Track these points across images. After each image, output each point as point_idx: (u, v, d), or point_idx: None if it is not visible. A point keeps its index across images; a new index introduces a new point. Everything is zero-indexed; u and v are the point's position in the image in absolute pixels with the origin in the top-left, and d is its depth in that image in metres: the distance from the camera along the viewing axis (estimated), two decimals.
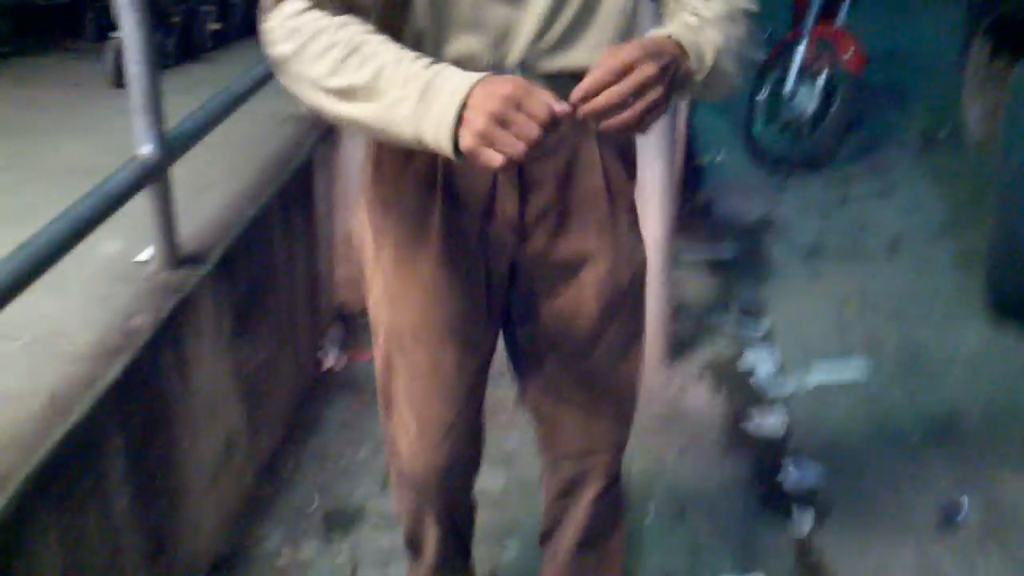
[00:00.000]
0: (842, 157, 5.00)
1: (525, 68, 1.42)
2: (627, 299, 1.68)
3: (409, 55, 1.26)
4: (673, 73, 1.29)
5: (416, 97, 1.22)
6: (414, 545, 2.00)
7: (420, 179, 1.53)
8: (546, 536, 2.03)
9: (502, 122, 1.18)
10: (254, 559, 2.39)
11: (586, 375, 1.72)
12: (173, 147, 2.06)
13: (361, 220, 1.67)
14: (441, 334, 1.63)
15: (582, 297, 1.63)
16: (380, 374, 1.73)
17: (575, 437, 1.79)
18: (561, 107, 1.20)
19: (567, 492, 1.89)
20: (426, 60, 1.25)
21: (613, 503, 1.93)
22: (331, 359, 3.18)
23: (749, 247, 4.13)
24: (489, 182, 1.52)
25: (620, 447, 1.84)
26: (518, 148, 1.18)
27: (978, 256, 3.68)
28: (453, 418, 1.72)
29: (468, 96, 1.20)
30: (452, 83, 1.21)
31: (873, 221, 4.41)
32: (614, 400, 1.77)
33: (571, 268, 1.62)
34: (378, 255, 1.62)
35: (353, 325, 3.35)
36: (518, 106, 1.18)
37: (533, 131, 1.18)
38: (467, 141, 1.19)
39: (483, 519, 2.48)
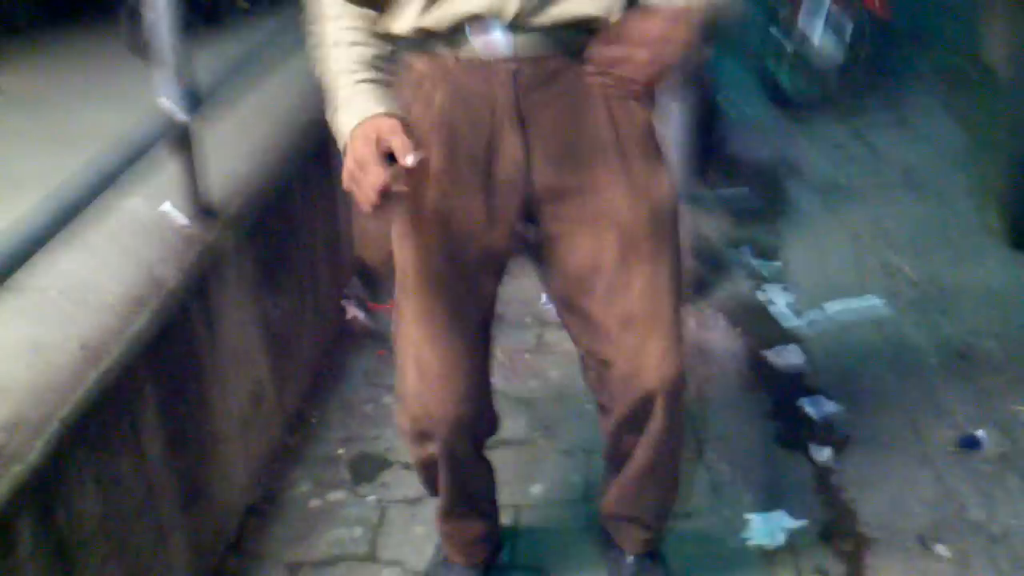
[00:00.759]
0: (856, 92, 4.98)
1: (521, 22, 1.50)
2: (650, 233, 1.68)
3: (348, 81, 1.55)
4: (688, 41, 1.38)
5: (335, 119, 1.54)
6: (427, 484, 2.05)
7: (418, 121, 1.57)
8: (608, 459, 2.05)
9: (358, 174, 1.43)
10: (286, 504, 2.45)
11: (627, 312, 1.71)
12: (198, 101, 2.09)
13: None
14: (439, 278, 1.67)
15: (598, 228, 1.65)
16: (394, 316, 1.79)
17: (628, 377, 1.78)
18: (404, 164, 1.40)
19: (628, 431, 1.88)
20: (350, 87, 1.54)
21: (675, 438, 1.92)
22: (353, 311, 3.22)
23: (765, 185, 4.14)
24: (488, 122, 1.56)
25: (676, 385, 1.79)
26: (366, 204, 1.41)
27: (995, 187, 3.68)
28: (448, 369, 1.75)
29: (349, 138, 1.49)
30: (343, 121, 1.52)
31: (890, 156, 4.41)
32: (661, 335, 1.74)
33: (586, 203, 1.64)
34: None
35: (372, 279, 3.39)
36: (362, 167, 1.42)
37: (369, 197, 1.41)
38: (344, 181, 1.46)
39: (506, 463, 2.55)
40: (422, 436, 1.89)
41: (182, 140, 2.07)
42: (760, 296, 3.33)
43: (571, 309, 1.79)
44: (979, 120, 4.48)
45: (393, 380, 2.81)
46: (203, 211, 2.18)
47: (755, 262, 3.54)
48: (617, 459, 1.99)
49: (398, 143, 1.42)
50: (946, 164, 4.27)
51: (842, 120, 4.78)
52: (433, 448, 1.89)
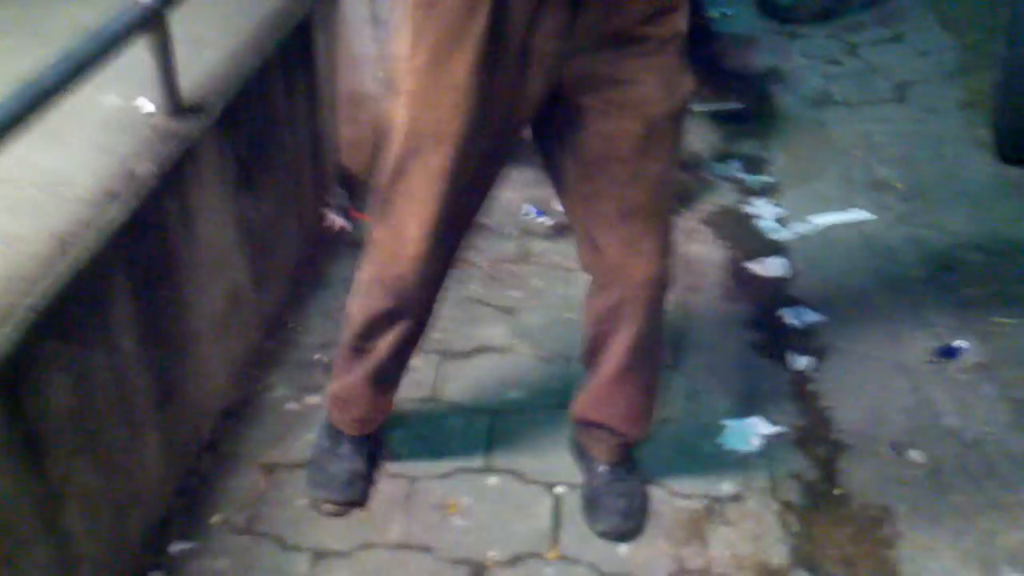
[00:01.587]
0: (851, 7, 4.90)
1: None
2: (669, 127, 1.71)
3: None
4: None
5: None
6: (358, 350, 2.04)
7: None
8: (586, 358, 2.08)
9: None
10: (262, 406, 2.45)
11: (631, 203, 1.76)
12: None
13: (397, 22, 1.69)
14: (461, 139, 1.66)
15: (625, 118, 1.67)
16: (388, 178, 1.77)
17: (621, 267, 1.83)
18: None
19: (609, 319, 1.93)
20: None
21: (653, 340, 1.98)
22: (334, 219, 3.20)
23: (756, 99, 4.09)
24: None
25: (662, 283, 1.88)
26: None
27: (986, 99, 3.65)
28: (451, 225, 1.78)
29: None
30: None
31: (881, 69, 4.36)
32: (659, 231, 1.81)
33: (615, 90, 1.65)
34: (413, 54, 1.64)
35: (355, 187, 3.36)
36: None
37: None
38: None
39: (486, 368, 2.57)
40: (393, 291, 1.88)
41: (156, 30, 2.02)
42: (747, 209, 3.32)
43: (577, 190, 1.80)
44: (976, 36, 4.43)
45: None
46: (180, 107, 2.14)
47: (743, 175, 3.52)
48: (593, 356, 2.02)
49: None
50: (940, 79, 4.22)
51: (837, 36, 4.70)
52: (398, 303, 1.90)
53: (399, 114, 1.71)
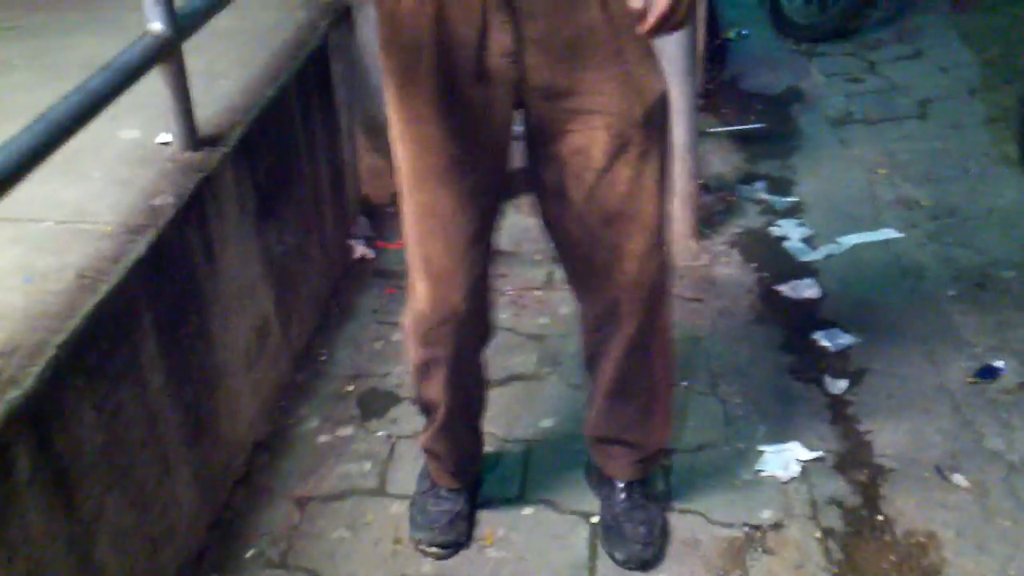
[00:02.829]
0: (869, 25, 4.88)
1: None
2: (641, 132, 1.68)
3: None
4: None
5: None
6: (423, 404, 2.05)
7: (412, 13, 1.56)
8: (587, 369, 2.06)
9: None
10: (294, 439, 2.43)
11: (609, 211, 1.73)
12: (184, 24, 2.03)
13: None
14: (438, 175, 1.66)
15: (591, 128, 1.65)
16: (402, 224, 1.78)
17: (604, 275, 1.81)
18: None
19: (600, 328, 1.92)
20: None
21: (651, 347, 1.93)
22: (360, 249, 3.17)
23: (777, 119, 4.05)
24: (480, 13, 1.54)
25: (649, 289, 1.83)
26: None
27: (1011, 115, 3.61)
28: (454, 264, 1.75)
29: None
30: None
31: (902, 86, 4.31)
32: (640, 238, 1.77)
33: (578, 101, 1.63)
34: (389, 96, 1.67)
35: (379, 216, 3.34)
36: None
37: None
38: None
39: (517, 397, 2.53)
40: (426, 336, 1.87)
41: (170, 59, 2.01)
42: (774, 231, 3.27)
43: (556, 201, 1.77)
44: (997, 50, 4.39)
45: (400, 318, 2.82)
46: (197, 138, 2.13)
47: (769, 197, 3.47)
48: (592, 368, 2.01)
49: None
50: (962, 95, 4.16)
51: (856, 53, 4.67)
52: (436, 350, 1.88)
53: (392, 154, 1.74)
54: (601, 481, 2.17)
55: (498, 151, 1.71)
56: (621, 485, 2.13)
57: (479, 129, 1.65)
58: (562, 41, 1.58)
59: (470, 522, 2.15)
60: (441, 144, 1.64)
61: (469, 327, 1.87)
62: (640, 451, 2.09)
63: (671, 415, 2.11)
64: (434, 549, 2.09)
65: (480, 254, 1.80)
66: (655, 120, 1.70)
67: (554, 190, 1.75)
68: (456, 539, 2.11)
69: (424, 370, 1.94)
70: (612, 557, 2.08)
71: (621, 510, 2.11)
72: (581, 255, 1.82)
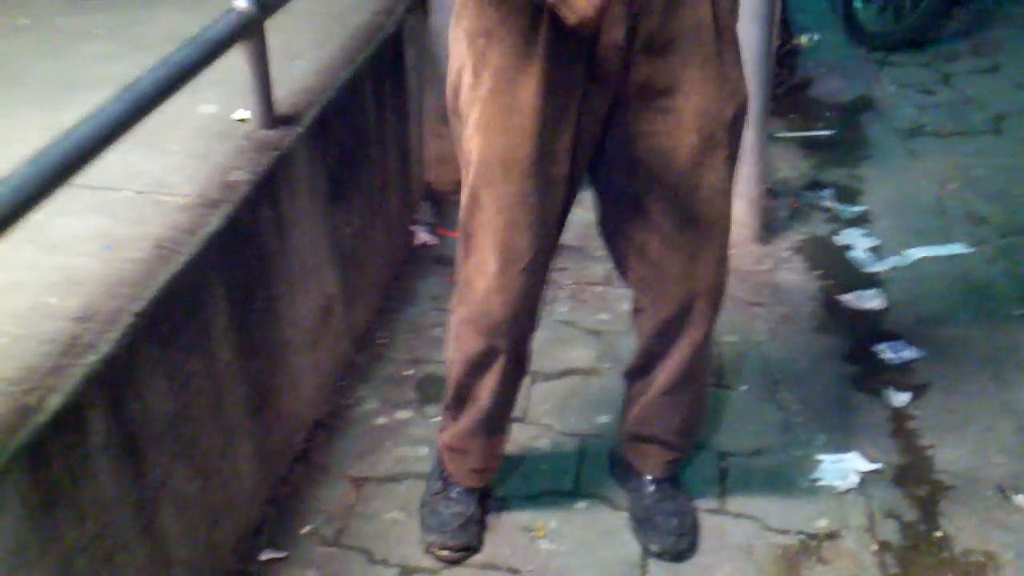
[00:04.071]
0: (945, 36, 4.81)
1: None
2: (728, 134, 1.68)
3: None
4: None
5: None
6: (461, 398, 2.02)
7: (528, 4, 1.52)
8: (636, 373, 2.05)
9: None
10: (352, 420, 2.45)
11: (689, 214, 1.72)
12: (268, 2, 2.04)
13: (456, 53, 1.67)
14: (533, 164, 1.64)
15: (682, 129, 1.64)
16: (465, 212, 1.74)
17: (680, 278, 1.80)
18: None
19: (667, 332, 1.90)
20: None
21: (708, 350, 1.96)
22: (422, 235, 3.18)
23: (846, 127, 4.01)
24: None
25: (720, 292, 1.85)
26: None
27: None
28: (533, 254, 1.73)
29: None
30: None
31: (976, 100, 4.23)
32: (716, 241, 1.78)
33: (674, 100, 1.62)
34: (476, 84, 1.62)
35: (442, 203, 3.35)
36: None
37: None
38: None
39: (574, 391, 2.53)
40: (491, 328, 1.84)
41: (253, 37, 2.02)
42: (839, 239, 3.23)
43: (630, 204, 1.76)
44: None
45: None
46: (274, 116, 2.15)
47: (836, 205, 3.43)
48: (646, 370, 2.00)
49: None
50: None
51: (929, 64, 4.60)
52: (498, 341, 1.86)
53: (468, 146, 1.69)
54: (629, 474, 2.19)
55: (588, 145, 1.69)
56: (650, 478, 2.14)
57: (575, 123, 1.63)
58: (669, 38, 1.57)
59: (482, 526, 2.14)
60: (537, 136, 1.61)
61: (531, 316, 1.87)
62: (675, 452, 2.12)
63: (704, 419, 2.14)
64: (445, 552, 2.07)
65: (553, 244, 1.79)
66: (737, 126, 1.70)
67: (632, 193, 1.74)
68: (468, 542, 2.09)
69: (480, 362, 1.91)
70: (647, 550, 2.09)
71: (652, 502, 2.13)
72: (652, 260, 1.80)
